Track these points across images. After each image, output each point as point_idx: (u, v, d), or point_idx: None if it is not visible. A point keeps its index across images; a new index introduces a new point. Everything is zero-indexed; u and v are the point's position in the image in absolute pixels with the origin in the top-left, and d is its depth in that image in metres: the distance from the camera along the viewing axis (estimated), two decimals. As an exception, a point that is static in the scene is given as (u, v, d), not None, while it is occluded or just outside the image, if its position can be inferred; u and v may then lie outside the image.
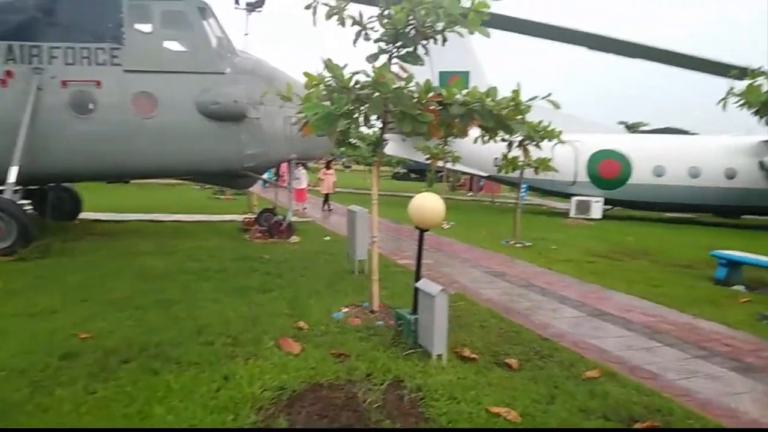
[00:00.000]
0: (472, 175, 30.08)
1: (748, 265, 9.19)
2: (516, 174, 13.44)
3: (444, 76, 19.22)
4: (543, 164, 11.86)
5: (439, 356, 4.65)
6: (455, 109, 5.20)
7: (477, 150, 13.61)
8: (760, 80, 6.51)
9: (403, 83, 5.27)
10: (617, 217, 21.18)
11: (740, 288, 8.78)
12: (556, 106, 5.61)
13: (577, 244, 13.28)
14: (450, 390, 4.10)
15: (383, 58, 5.75)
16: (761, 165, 17.23)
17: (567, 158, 20.15)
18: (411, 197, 5.34)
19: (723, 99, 6.83)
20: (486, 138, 8.72)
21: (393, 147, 22.09)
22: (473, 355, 4.83)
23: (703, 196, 19.62)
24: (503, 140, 11.82)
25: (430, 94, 5.35)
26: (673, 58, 18.32)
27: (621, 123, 42.39)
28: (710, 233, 17.29)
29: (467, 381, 4.30)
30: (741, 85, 6.77)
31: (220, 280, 7.45)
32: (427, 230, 5.14)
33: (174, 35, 10.57)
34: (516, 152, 12.22)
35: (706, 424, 3.75)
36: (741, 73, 6.74)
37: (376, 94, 5.30)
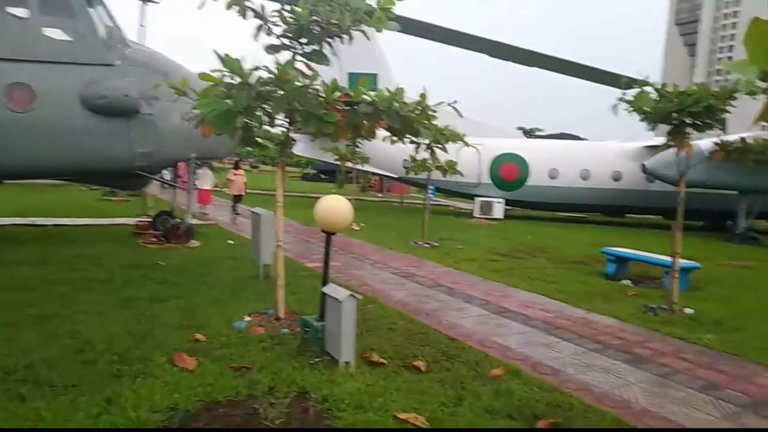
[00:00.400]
0: (382, 176, 30.34)
1: (634, 260, 9.95)
2: (424, 175, 13.67)
3: (353, 78, 19.16)
4: (451, 167, 12.13)
5: (347, 363, 4.48)
6: (363, 109, 5.08)
7: (386, 152, 13.72)
8: (648, 88, 6.99)
9: (308, 81, 5.06)
10: (517, 216, 22.30)
11: (627, 282, 9.47)
12: (460, 114, 5.69)
13: (481, 243, 13.73)
14: (357, 398, 3.95)
15: (287, 55, 5.50)
16: (642, 168, 18.88)
17: (471, 161, 20.91)
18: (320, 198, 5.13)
19: (615, 105, 7.27)
20: (394, 139, 8.85)
21: (301, 147, 21.70)
22: (382, 360, 4.72)
23: (593, 197, 21.19)
24: (412, 142, 11.97)
25: (337, 94, 5.20)
26: (567, 68, 19.57)
27: (520, 128, 44.81)
28: (600, 231, 18.67)
29: (375, 387, 4.18)
30: (631, 93, 7.23)
31: (106, 290, 6.76)
32: (334, 233, 4.96)
33: (55, 22, 9.51)
34: (424, 154, 12.39)
35: (603, 417, 3.90)
36: (630, 81, 7.22)
37: (280, 92, 5.05)
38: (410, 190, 31.74)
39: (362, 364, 4.64)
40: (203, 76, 4.97)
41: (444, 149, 12.48)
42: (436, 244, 12.70)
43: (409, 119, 5.33)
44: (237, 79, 4.94)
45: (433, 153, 12.15)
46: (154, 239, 10.88)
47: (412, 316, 6.28)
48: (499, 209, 20.98)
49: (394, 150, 12.74)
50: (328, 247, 4.98)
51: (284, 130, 5.83)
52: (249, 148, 28.75)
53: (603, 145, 22.65)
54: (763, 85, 5.35)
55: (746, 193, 18.35)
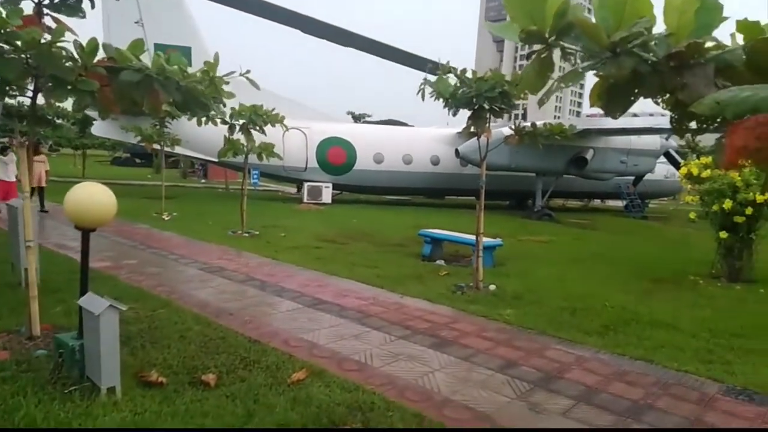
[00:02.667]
0: (205, 161, 28.24)
1: (447, 241, 10.36)
2: (251, 160, 12.72)
3: (160, 50, 17.17)
4: (267, 150, 11.40)
5: (111, 389, 3.66)
6: (127, 76, 4.17)
7: (202, 133, 12.44)
8: (449, 75, 7.07)
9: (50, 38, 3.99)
10: (346, 201, 22.38)
11: (441, 262, 9.81)
12: (255, 85, 5.09)
13: (306, 229, 13.31)
14: (120, 434, 3.20)
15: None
16: (456, 153, 20.16)
17: (298, 145, 20.34)
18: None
19: (420, 89, 7.25)
20: (204, 120, 7.88)
21: (102, 127, 19.02)
22: (161, 379, 3.97)
23: (415, 180, 22.12)
24: (224, 122, 10.99)
25: (98, 58, 4.22)
26: (379, 49, 19.89)
27: (349, 113, 45.40)
28: (421, 213, 19.53)
29: (146, 416, 3.45)
30: (434, 78, 7.28)
31: None
32: (93, 230, 4.01)
33: None
34: (239, 136, 11.48)
35: (403, 414, 3.69)
36: (434, 66, 7.26)
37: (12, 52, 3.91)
38: (237, 175, 30.08)
39: (135, 386, 3.85)
40: None
41: (262, 131, 11.71)
42: (257, 233, 11.94)
43: (192, 91, 4.56)
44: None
45: (248, 135, 11.30)
46: None
47: (212, 319, 5.55)
48: (327, 194, 20.78)
49: (211, 131, 11.62)
50: (86, 248, 4.02)
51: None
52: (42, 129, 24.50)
53: (423, 131, 23.74)
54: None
55: (542, 174, 20.74)
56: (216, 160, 20.98)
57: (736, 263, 9.47)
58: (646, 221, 22.54)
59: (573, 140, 17.18)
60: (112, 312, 3.61)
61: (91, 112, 13.38)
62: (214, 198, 22.27)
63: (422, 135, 23.19)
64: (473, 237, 8.25)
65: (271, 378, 4.15)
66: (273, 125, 11.92)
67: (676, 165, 25.37)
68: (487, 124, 7.41)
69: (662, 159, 23.82)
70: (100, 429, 3.28)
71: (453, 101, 7.26)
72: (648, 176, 23.86)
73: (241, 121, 11.24)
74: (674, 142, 24.16)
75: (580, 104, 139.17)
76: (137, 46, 4.43)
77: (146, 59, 4.41)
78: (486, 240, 8.37)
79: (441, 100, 7.31)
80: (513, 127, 7.40)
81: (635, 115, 23.46)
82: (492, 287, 7.72)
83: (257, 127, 11.64)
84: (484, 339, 5.48)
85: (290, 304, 6.39)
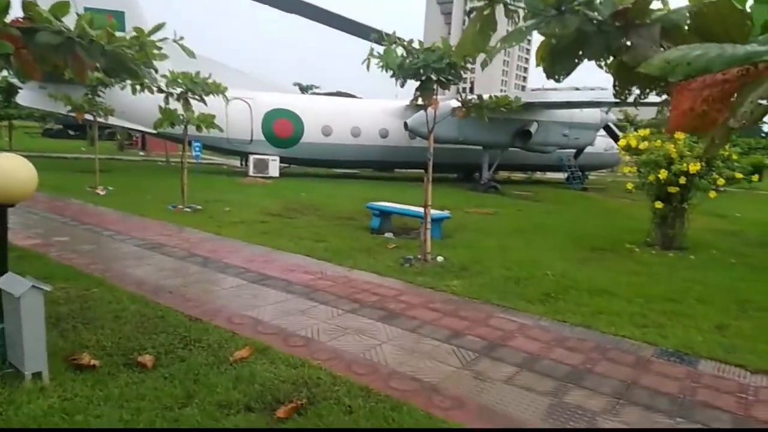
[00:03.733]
0: (143, 132, 26.95)
1: (396, 214, 10.34)
2: (182, 131, 12.14)
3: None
4: (207, 121, 10.91)
5: (36, 375, 3.42)
6: (44, 38, 3.80)
7: (137, 102, 11.78)
8: (395, 46, 6.91)
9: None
10: (294, 174, 21.99)
11: (390, 235, 9.80)
12: (189, 53, 4.80)
13: (252, 203, 12.97)
14: (47, 421, 3.01)
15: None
16: (405, 125, 20.06)
17: (242, 116, 19.69)
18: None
19: (366, 60, 7.06)
20: (139, 88, 7.42)
21: (28, 96, 17.71)
22: (94, 362, 3.75)
23: (364, 153, 21.94)
24: (160, 91, 10.43)
25: (12, 18, 3.82)
26: (324, 17, 19.34)
27: (296, 84, 44.30)
28: (370, 186, 19.44)
29: (76, 402, 3.25)
30: (381, 48, 7.09)
31: None
32: (11, 205, 3.68)
33: None
34: (176, 105, 10.92)
35: (350, 388, 3.64)
36: (379, 36, 7.07)
37: None
38: (178, 148, 28.91)
39: (65, 371, 3.62)
40: None
41: (202, 101, 11.19)
42: (200, 208, 11.52)
43: (119, 56, 4.22)
44: None
45: (187, 104, 10.76)
46: None
47: (150, 298, 5.30)
48: (274, 167, 20.30)
49: (147, 100, 11.00)
50: (3, 224, 3.69)
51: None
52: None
53: (372, 104, 23.47)
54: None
55: (488, 147, 21.04)
56: (152, 131, 20.14)
57: (669, 232, 9.95)
58: (585, 192, 23.40)
59: (518, 113, 17.44)
60: (35, 293, 3.35)
61: (16, 80, 12.31)
62: (153, 171, 21.33)
63: (371, 107, 22.93)
64: (421, 209, 8.26)
65: (212, 357, 4.01)
66: (215, 95, 11.42)
67: (615, 138, 26.38)
68: (435, 96, 7.35)
69: (602, 132, 24.68)
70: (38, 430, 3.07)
71: (400, 72, 7.12)
72: (588, 149, 24.68)
73: (178, 90, 10.68)
74: (613, 116, 25.05)
75: (525, 78, 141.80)
76: (61, 6, 4.03)
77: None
78: (434, 212, 8.40)
79: (388, 71, 7.17)
80: (460, 98, 7.37)
81: (577, 89, 24.09)
82: (439, 259, 7.79)
83: (197, 97, 11.12)
84: (431, 310, 5.52)
85: (234, 281, 6.20)
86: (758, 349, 4.81)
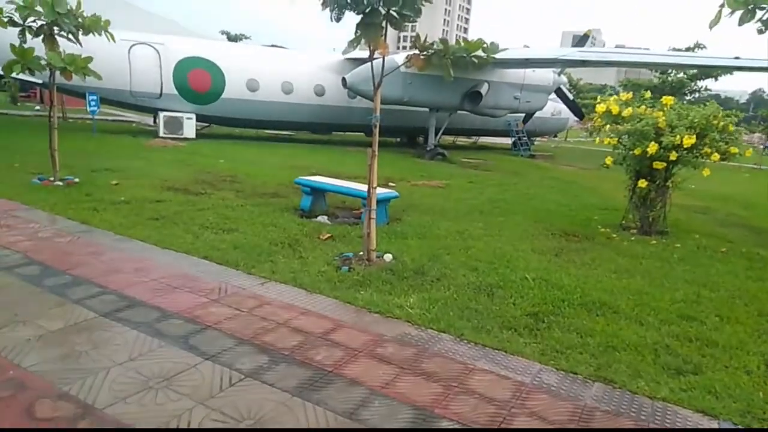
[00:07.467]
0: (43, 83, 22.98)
1: (331, 192, 8.31)
2: (49, 78, 9.34)
3: None
4: (77, 65, 8.21)
5: None
6: None
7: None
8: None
9: None
10: (215, 135, 19.25)
11: (323, 219, 7.79)
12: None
13: (152, 174, 10.50)
14: None
15: None
16: (343, 81, 17.64)
17: (150, 65, 16.60)
18: None
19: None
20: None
21: None
22: None
23: (296, 113, 19.42)
24: (13, 24, 7.73)
25: None
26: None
27: (223, 33, 40.17)
28: (304, 152, 17.17)
29: None
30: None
31: None
32: None
33: None
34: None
35: None
36: None
37: None
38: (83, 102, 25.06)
39: None
40: None
41: (76, 40, 8.50)
42: (77, 180, 8.97)
43: None
44: None
45: (52, 43, 8.05)
46: None
47: None
48: (189, 126, 17.46)
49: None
50: None
51: None
52: None
53: (305, 56, 20.80)
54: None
55: (436, 110, 19.12)
56: (38, 81, 16.70)
57: (648, 213, 8.54)
58: (534, 160, 22.17)
59: (471, 72, 15.56)
60: None
61: None
62: (41, 130, 17.87)
63: (305, 61, 20.27)
64: (363, 187, 6.31)
65: None
66: (96, 34, 8.72)
67: (567, 102, 25.19)
68: (383, 37, 5.27)
69: (551, 96, 23.32)
70: None
71: (337, 2, 5.02)
72: (536, 114, 23.37)
73: (39, 23, 7.94)
74: (565, 78, 23.74)
75: (466, 29, 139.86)
76: None
77: None
78: (380, 192, 6.46)
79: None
80: (417, 43, 5.35)
81: (526, 46, 22.45)
82: (387, 257, 5.90)
83: (69, 34, 8.39)
84: (379, 361, 3.61)
85: (72, 314, 3.98)
86: None
